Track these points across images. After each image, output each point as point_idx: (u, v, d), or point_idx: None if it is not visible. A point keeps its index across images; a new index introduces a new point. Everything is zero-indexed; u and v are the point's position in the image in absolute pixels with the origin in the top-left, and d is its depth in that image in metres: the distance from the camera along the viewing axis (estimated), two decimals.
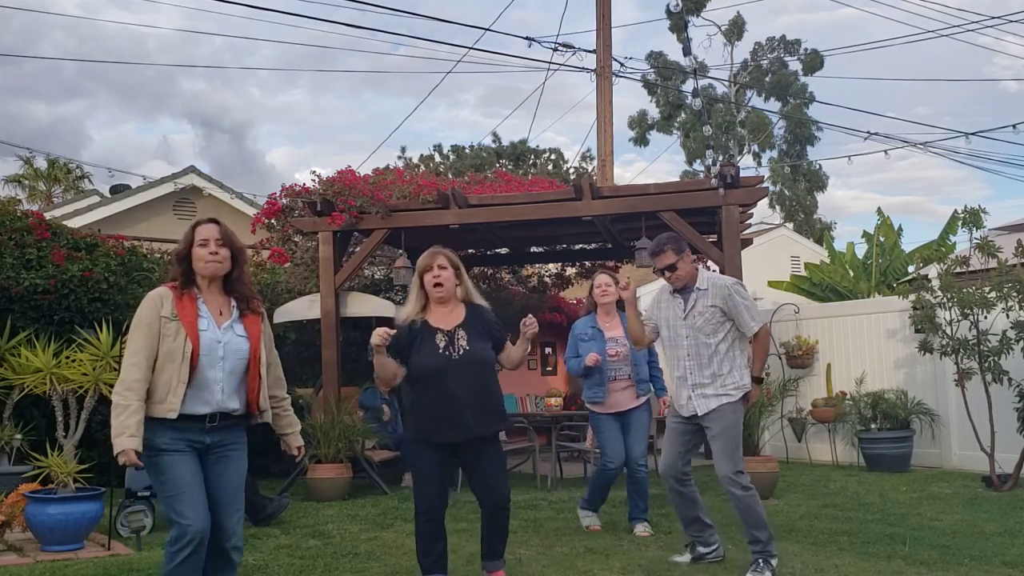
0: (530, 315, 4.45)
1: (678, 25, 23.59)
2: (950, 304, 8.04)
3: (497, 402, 4.51)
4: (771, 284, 13.60)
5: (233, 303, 3.70)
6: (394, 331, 4.30)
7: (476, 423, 4.32)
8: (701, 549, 5.07)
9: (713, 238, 8.81)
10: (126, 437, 3.39)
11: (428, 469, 4.38)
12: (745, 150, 29.82)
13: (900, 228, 13.28)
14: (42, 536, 5.58)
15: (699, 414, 4.85)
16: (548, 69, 15.30)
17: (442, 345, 4.33)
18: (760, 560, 4.70)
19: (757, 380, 4.94)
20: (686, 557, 5.09)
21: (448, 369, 4.30)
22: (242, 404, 3.66)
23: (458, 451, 4.42)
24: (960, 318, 8.00)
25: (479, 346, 4.37)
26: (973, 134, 18.15)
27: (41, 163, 24.96)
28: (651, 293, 6.75)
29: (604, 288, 6.35)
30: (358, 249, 9.21)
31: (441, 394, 4.29)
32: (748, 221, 9.44)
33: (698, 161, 29.53)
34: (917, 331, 8.68)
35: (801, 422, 10.10)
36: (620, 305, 6.28)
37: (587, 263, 12.07)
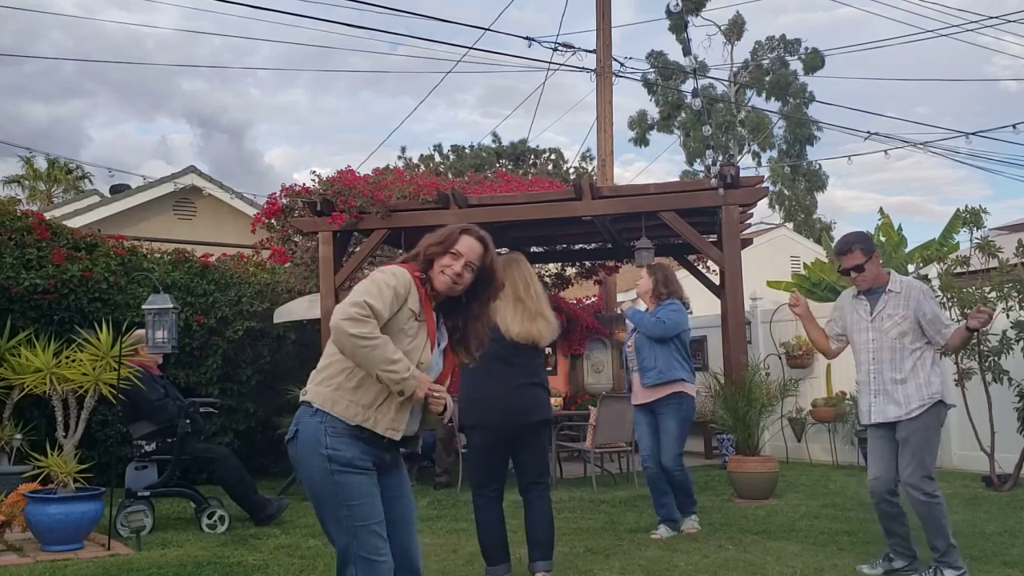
0: None
1: (678, 25, 23.56)
2: (950, 304, 8.03)
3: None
4: (771, 284, 13.60)
5: (442, 323, 3.05)
6: None
7: None
8: (897, 564, 4.77)
9: (713, 238, 8.81)
10: (412, 373, 2.77)
11: None
12: (745, 150, 29.82)
13: (900, 228, 13.28)
14: (42, 536, 5.58)
15: (884, 421, 4.65)
16: (548, 69, 15.29)
17: None
18: (935, 567, 4.56)
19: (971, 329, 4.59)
20: (878, 570, 4.77)
21: None
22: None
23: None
24: (960, 318, 8.00)
25: None
26: (973, 134, 18.11)
27: (41, 163, 24.97)
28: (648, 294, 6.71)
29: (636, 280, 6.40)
30: (358, 249, 9.21)
31: None
32: (748, 221, 9.45)
33: (698, 161, 29.53)
34: None
35: (801, 422, 10.10)
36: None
37: (587, 263, 12.07)
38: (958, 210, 9.16)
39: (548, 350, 5.19)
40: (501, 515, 4.66)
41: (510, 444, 4.67)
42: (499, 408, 4.63)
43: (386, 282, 2.83)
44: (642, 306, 6.33)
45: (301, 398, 2.92)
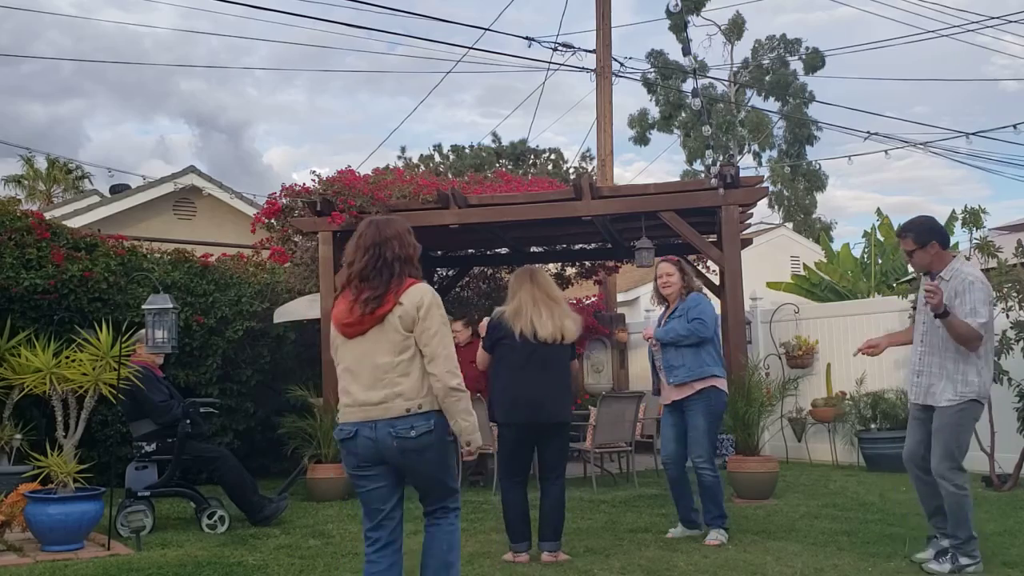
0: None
1: (678, 25, 23.55)
2: None
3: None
4: (771, 284, 13.60)
5: None
6: None
7: None
8: (944, 543, 4.85)
9: (713, 238, 8.80)
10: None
11: None
12: (745, 150, 29.81)
13: None
14: (42, 536, 5.58)
15: (920, 402, 4.81)
16: (548, 69, 15.29)
17: None
18: (952, 552, 4.71)
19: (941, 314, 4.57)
20: (928, 553, 4.90)
21: None
22: None
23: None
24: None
25: None
26: (973, 134, 18.11)
27: (41, 163, 24.98)
28: (647, 294, 6.64)
29: (666, 279, 5.86)
30: None
31: None
32: (748, 221, 9.44)
33: (698, 161, 29.52)
34: None
35: (801, 422, 10.10)
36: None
37: (587, 263, 12.07)
38: (954, 211, 9.17)
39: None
40: (525, 498, 5.27)
41: (535, 440, 5.27)
42: (523, 407, 5.16)
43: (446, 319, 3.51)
44: (644, 307, 6.31)
45: (416, 410, 3.42)
